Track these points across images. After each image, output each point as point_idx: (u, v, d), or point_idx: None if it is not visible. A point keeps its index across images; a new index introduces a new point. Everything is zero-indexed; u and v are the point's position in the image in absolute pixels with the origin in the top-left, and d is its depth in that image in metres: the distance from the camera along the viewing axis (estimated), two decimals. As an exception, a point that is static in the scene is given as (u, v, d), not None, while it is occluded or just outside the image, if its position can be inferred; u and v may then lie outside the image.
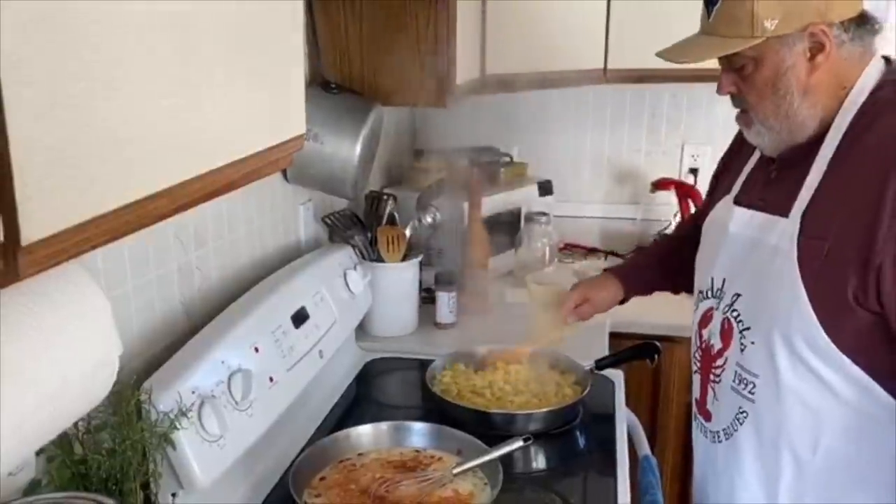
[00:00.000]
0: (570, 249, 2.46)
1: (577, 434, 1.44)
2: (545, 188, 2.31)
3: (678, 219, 2.31)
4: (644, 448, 1.50)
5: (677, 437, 2.04)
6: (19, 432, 0.51)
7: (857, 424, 1.09)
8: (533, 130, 2.52)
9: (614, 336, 1.89)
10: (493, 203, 2.14)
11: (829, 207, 1.07)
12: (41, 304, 0.54)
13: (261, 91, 0.77)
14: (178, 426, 0.98)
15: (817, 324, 1.06)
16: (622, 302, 1.54)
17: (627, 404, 1.60)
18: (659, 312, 1.83)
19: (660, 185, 2.33)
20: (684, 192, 2.28)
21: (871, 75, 1.11)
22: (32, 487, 0.90)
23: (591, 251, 2.46)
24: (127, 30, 0.53)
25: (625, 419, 1.50)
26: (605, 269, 1.59)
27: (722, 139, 1.44)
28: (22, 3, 0.42)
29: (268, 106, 0.79)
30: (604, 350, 1.77)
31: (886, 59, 1.15)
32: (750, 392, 1.16)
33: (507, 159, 2.38)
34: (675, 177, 2.41)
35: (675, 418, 2.03)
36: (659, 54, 1.19)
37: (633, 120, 2.47)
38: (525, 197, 2.26)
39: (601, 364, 1.58)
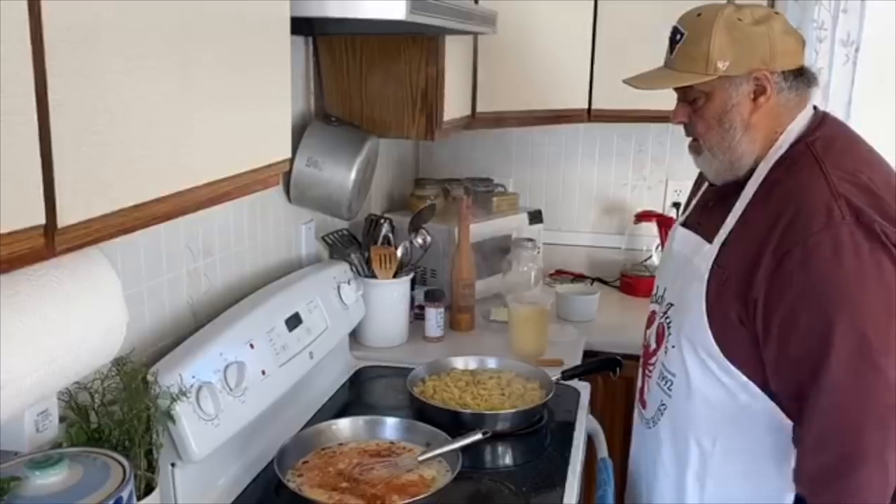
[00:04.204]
0: (559, 275, 2.62)
1: (539, 435, 1.59)
2: (535, 217, 2.48)
3: (659, 250, 2.46)
4: (603, 451, 1.65)
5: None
6: (50, 367, 0.69)
7: (746, 421, 1.26)
8: (527, 163, 2.72)
9: (590, 353, 2.04)
10: (484, 229, 2.31)
11: (736, 242, 1.24)
12: (68, 277, 0.72)
13: (251, 121, 0.96)
14: (177, 399, 1.15)
15: (711, 337, 1.24)
16: None
17: (602, 413, 1.74)
18: (632, 333, 1.98)
19: (642, 216, 2.49)
20: (665, 223, 2.44)
21: (799, 123, 1.26)
22: (55, 446, 1.08)
23: (578, 277, 2.61)
24: (140, 76, 0.72)
25: (585, 425, 1.64)
26: None
27: (703, 176, 1.60)
28: (62, 60, 0.62)
29: (257, 134, 0.98)
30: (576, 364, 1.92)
31: (815, 108, 1.30)
32: (668, 388, 1.33)
33: (501, 189, 2.56)
34: (660, 209, 2.57)
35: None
36: (626, 81, 1.36)
37: (619, 156, 2.65)
38: (516, 224, 2.43)
39: (566, 375, 1.73)
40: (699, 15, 1.25)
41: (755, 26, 1.22)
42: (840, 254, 1.10)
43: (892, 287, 1.09)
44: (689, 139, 1.36)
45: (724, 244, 1.26)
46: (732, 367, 1.23)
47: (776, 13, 1.26)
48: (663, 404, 1.37)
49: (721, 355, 1.23)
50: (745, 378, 1.23)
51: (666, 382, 1.35)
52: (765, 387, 1.22)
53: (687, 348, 1.28)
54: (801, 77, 1.27)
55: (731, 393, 1.25)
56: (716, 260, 1.25)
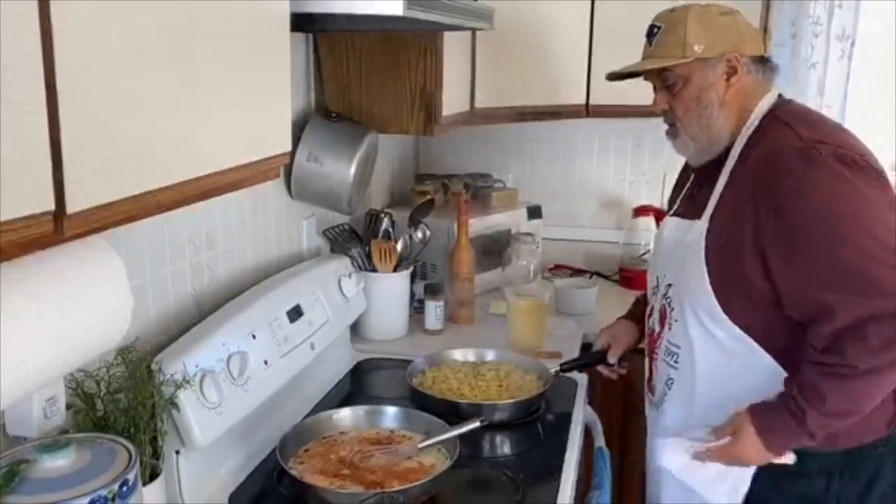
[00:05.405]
0: (558, 270, 2.65)
1: (536, 425, 1.62)
2: (534, 212, 2.50)
3: (656, 243, 2.49)
4: (600, 441, 1.68)
5: (642, 433, 2.21)
6: (58, 349, 0.72)
7: (749, 382, 1.33)
8: (526, 159, 2.75)
9: (588, 346, 2.05)
10: (484, 224, 2.34)
11: (726, 209, 1.34)
12: (75, 263, 0.75)
13: (252, 115, 0.99)
14: (181, 387, 1.18)
15: (715, 300, 1.31)
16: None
17: (600, 405, 1.77)
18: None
19: (640, 211, 2.51)
20: (662, 218, 2.46)
21: (768, 101, 1.40)
22: (62, 433, 1.10)
23: (577, 271, 2.64)
24: (145, 70, 0.75)
25: (582, 416, 1.67)
26: (619, 318, 1.79)
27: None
28: (71, 54, 0.64)
29: (258, 127, 1.01)
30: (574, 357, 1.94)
31: (780, 95, 1.42)
32: (675, 361, 1.41)
33: (501, 184, 2.59)
34: (658, 204, 2.59)
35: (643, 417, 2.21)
36: (609, 75, 1.50)
37: (618, 151, 2.68)
38: (515, 219, 2.46)
39: (565, 367, 1.76)
40: (672, 10, 1.41)
41: (722, 17, 1.40)
42: (831, 186, 1.21)
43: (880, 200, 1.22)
44: (667, 126, 1.47)
45: (712, 216, 1.35)
46: (734, 326, 1.31)
47: (737, 10, 1.42)
48: (670, 378, 1.44)
49: (723, 315, 1.31)
50: (744, 335, 1.30)
51: (672, 356, 1.42)
52: (762, 341, 1.30)
53: (690, 318, 1.36)
54: (766, 64, 1.42)
55: (727, 352, 1.33)
56: (708, 230, 1.34)
